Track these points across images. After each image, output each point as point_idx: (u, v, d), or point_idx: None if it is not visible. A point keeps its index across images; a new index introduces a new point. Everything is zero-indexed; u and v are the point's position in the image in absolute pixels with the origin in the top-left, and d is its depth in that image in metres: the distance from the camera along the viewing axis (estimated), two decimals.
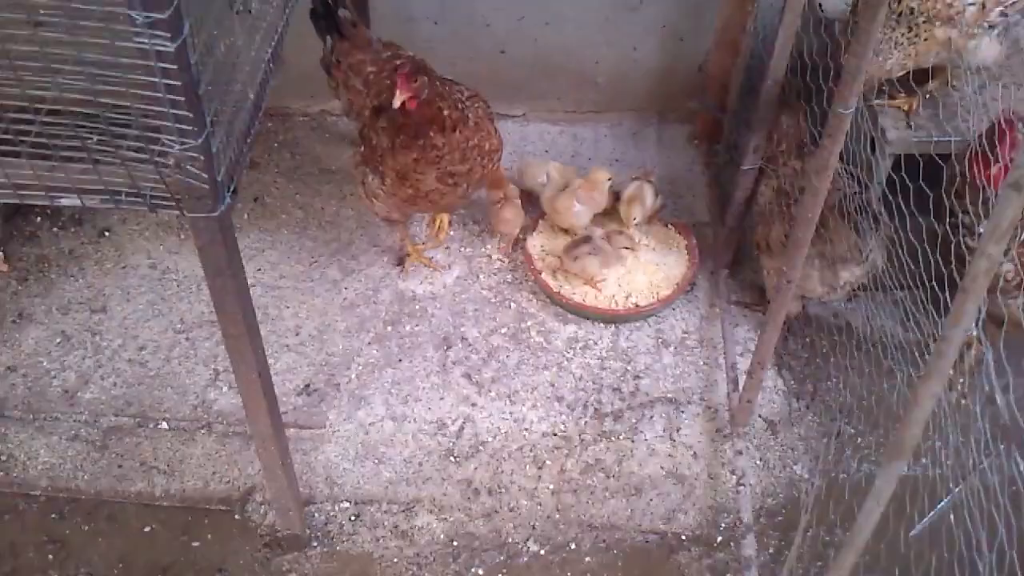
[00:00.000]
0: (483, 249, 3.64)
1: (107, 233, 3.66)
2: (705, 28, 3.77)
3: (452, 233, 3.67)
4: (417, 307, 3.45)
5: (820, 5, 3.41)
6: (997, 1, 2.85)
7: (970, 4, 2.83)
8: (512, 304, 3.47)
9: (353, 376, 3.25)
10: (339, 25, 3.15)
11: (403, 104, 2.78)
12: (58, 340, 3.33)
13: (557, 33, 3.87)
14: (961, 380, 2.25)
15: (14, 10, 1.76)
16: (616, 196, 3.58)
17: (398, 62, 3.09)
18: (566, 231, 3.56)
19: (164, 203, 1.96)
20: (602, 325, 3.40)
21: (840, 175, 2.86)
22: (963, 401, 2.10)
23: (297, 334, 3.36)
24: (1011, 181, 1.41)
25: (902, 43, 2.87)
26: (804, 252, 2.55)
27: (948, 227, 2.54)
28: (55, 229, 3.67)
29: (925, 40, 2.85)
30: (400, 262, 3.56)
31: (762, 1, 3.30)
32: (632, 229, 3.53)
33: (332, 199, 3.79)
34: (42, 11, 1.74)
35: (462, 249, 3.64)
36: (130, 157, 1.90)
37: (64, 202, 2.01)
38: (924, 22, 2.84)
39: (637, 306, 3.39)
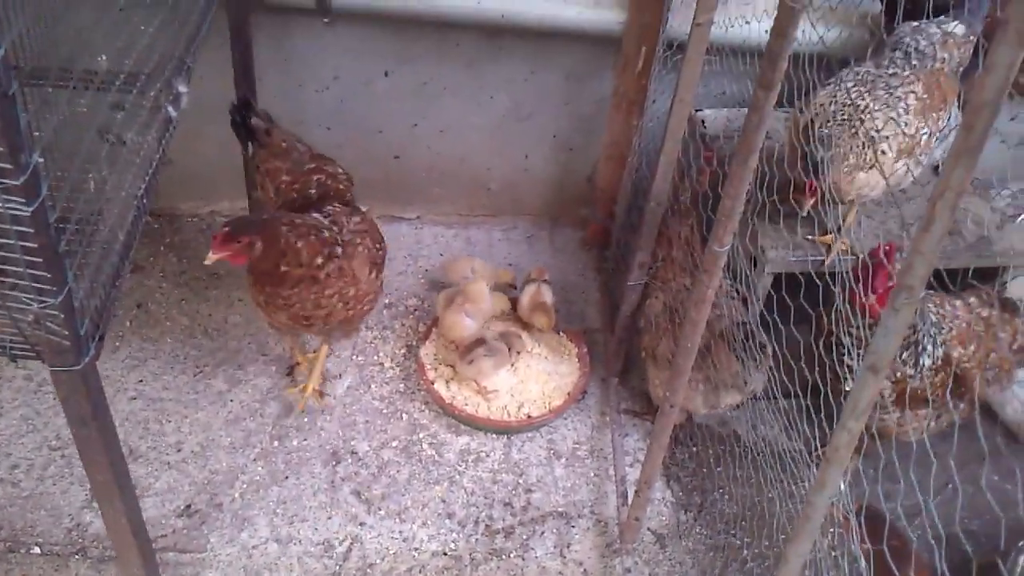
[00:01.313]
0: (376, 357, 3.60)
1: None
2: (594, 140, 3.87)
3: (343, 341, 3.63)
4: (305, 420, 3.38)
5: (703, 122, 3.55)
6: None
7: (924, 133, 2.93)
8: (404, 415, 3.44)
9: (237, 495, 3.16)
10: (254, 133, 3.15)
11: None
12: None
13: (450, 140, 3.91)
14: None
15: None
16: (510, 298, 3.62)
17: (316, 177, 3.15)
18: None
19: (24, 354, 1.89)
20: (495, 436, 3.40)
21: (723, 302, 2.92)
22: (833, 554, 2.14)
23: (179, 450, 3.25)
24: (868, 364, 1.47)
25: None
26: (686, 378, 2.60)
27: (825, 345, 2.62)
28: None
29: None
30: (290, 371, 3.50)
31: (647, 120, 3.41)
32: (530, 332, 3.58)
33: (220, 305, 3.72)
34: None
35: (354, 357, 3.60)
36: None
37: None
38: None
39: (530, 417, 3.39)
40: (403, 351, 3.63)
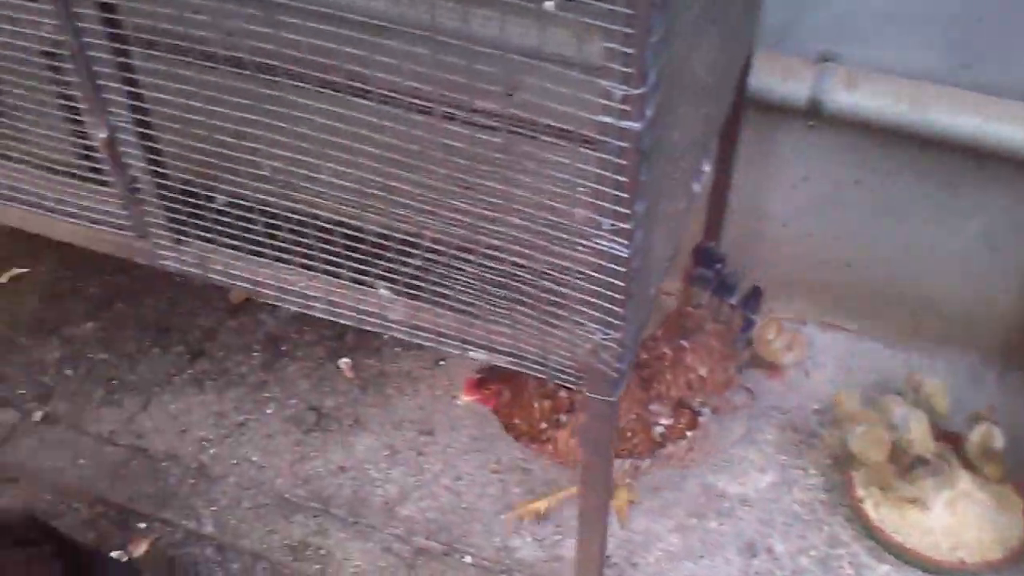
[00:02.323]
0: (799, 460, 3.56)
1: (442, 363, 3.94)
2: None
3: (769, 437, 3.63)
4: (726, 505, 3.41)
5: None
6: None
7: None
8: (825, 527, 3.35)
9: (652, 560, 3.25)
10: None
11: None
12: (386, 452, 3.60)
13: (909, 257, 3.81)
14: None
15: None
16: (948, 434, 3.42)
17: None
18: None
19: (564, 378, 2.12)
20: (920, 573, 3.19)
21: None
22: None
23: None
24: None
25: None
26: None
27: None
28: (397, 348, 4.01)
29: None
30: None
31: None
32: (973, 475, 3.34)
33: None
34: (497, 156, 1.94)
35: (778, 456, 3.58)
36: (542, 322, 2.08)
37: (472, 355, 2.23)
38: None
39: (963, 562, 3.16)
40: (828, 460, 3.55)
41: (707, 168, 2.66)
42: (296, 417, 3.72)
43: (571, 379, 2.10)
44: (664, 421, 3.04)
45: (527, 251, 1.95)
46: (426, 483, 3.50)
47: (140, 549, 3.39)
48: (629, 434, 3.00)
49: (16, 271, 4.28)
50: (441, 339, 2.24)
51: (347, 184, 2.02)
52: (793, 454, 3.59)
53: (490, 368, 3.00)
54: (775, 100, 3.57)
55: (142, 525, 3.46)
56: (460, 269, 2.13)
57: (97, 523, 3.47)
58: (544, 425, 2.99)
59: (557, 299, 1.99)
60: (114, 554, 3.35)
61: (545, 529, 3.35)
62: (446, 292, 2.18)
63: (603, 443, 2.13)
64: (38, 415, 3.73)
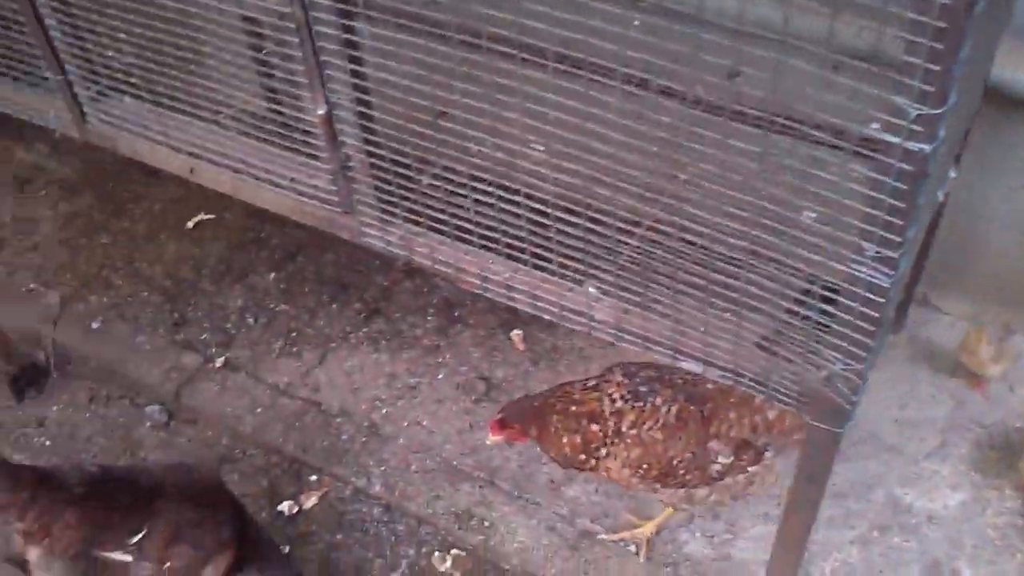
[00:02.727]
0: (996, 480, 3.31)
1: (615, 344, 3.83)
2: None
3: (963, 452, 3.38)
4: (912, 520, 3.21)
5: None
6: None
7: None
8: (1019, 554, 3.11)
9: (827, 570, 3.10)
10: None
11: None
12: None
13: None
14: None
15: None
16: None
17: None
18: None
19: (786, 399, 1.98)
20: None
21: None
22: None
23: (778, 504, 3.28)
24: None
25: None
26: None
27: None
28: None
29: None
30: None
31: None
32: None
33: None
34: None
35: (971, 473, 3.34)
36: (771, 342, 1.94)
37: (684, 365, 2.11)
38: None
39: None
40: None
41: (954, 174, 2.43)
42: (467, 385, 3.70)
43: (792, 403, 1.97)
44: (723, 460, 2.80)
45: (766, 262, 1.81)
46: None
47: (310, 502, 3.47)
48: (682, 471, 2.78)
49: (203, 217, 4.41)
50: (649, 344, 2.14)
51: (581, 169, 1.91)
52: (989, 473, 3.34)
53: (512, 406, 2.97)
54: (1016, 93, 3.25)
55: (313, 478, 3.55)
56: (679, 272, 2.00)
57: (270, 471, 3.57)
58: (583, 456, 2.83)
59: (792, 320, 1.85)
60: (284, 505, 3.45)
61: (716, 525, 3.24)
62: (658, 297, 2.07)
63: (819, 474, 2.00)
64: (219, 361, 3.85)
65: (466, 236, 2.24)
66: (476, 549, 3.29)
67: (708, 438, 2.77)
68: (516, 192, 2.04)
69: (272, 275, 4.16)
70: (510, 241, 2.17)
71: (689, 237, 1.94)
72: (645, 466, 2.77)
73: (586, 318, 2.17)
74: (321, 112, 2.13)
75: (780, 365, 1.93)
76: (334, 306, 4.00)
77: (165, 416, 3.76)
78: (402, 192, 2.23)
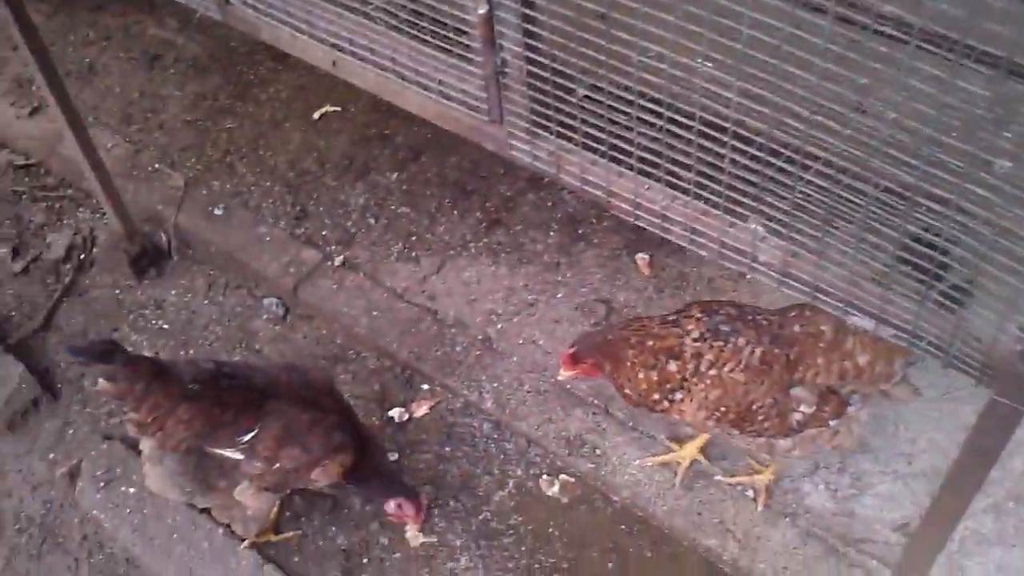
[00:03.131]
0: None
1: (748, 278, 3.60)
2: None
3: None
4: None
5: None
6: None
7: None
8: None
9: (957, 539, 2.93)
10: None
11: None
12: None
13: None
14: None
15: None
16: None
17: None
18: None
19: (968, 369, 1.79)
20: None
21: None
22: None
23: (910, 463, 3.10)
24: None
25: None
26: None
27: None
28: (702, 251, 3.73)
29: None
30: None
31: None
32: None
33: None
34: None
35: None
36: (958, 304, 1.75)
37: (854, 320, 1.94)
38: None
39: None
40: None
41: None
42: (586, 307, 3.58)
43: (975, 373, 1.78)
44: (805, 409, 2.59)
45: (955, 211, 1.60)
46: None
47: (421, 411, 3.44)
48: (761, 417, 2.60)
49: (329, 109, 4.32)
50: (817, 293, 1.96)
51: (757, 91, 1.71)
52: None
53: (584, 340, 2.81)
54: None
55: (425, 387, 3.50)
56: (861, 218, 1.80)
57: (382, 376, 3.54)
58: (656, 396, 2.66)
59: (989, 284, 1.65)
60: (395, 411, 3.42)
61: (841, 479, 3.08)
62: (834, 243, 1.88)
63: (992, 450, 1.82)
64: (339, 259, 3.80)
65: (622, 157, 2.07)
66: (585, 477, 3.22)
67: (792, 383, 2.58)
68: (687, 114, 1.86)
69: (395, 175, 4.06)
70: (670, 167, 1.99)
71: (874, 179, 1.74)
72: (723, 409, 2.61)
73: (748, 258, 2.00)
74: (482, 11, 1.96)
75: (969, 332, 1.73)
76: (455, 212, 3.89)
77: (282, 310, 3.76)
78: (558, 104, 2.07)
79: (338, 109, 4.31)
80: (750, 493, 3.08)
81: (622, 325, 2.79)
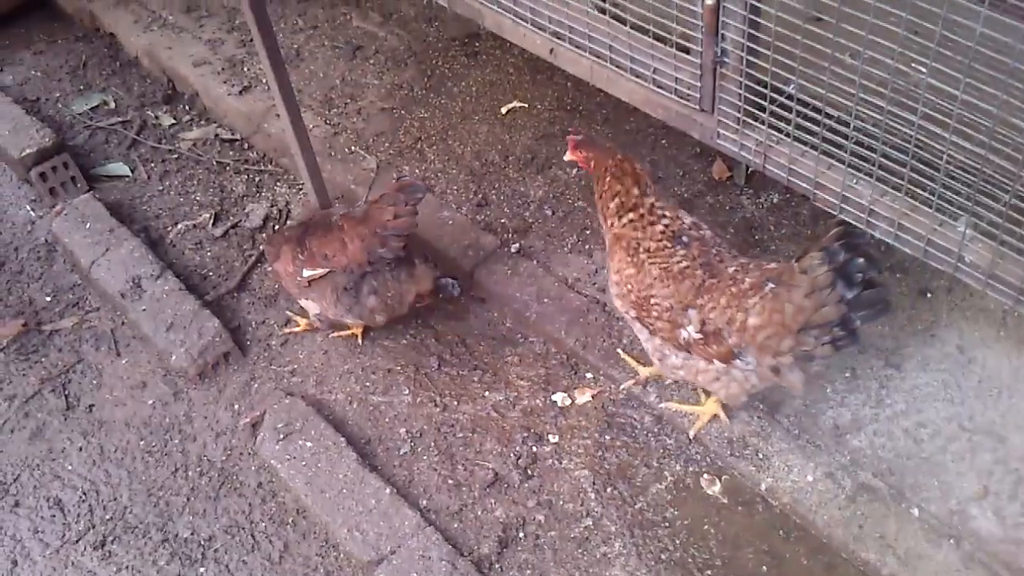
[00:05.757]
0: None
1: (928, 295, 3.56)
2: None
3: None
4: None
5: None
6: None
7: None
8: None
9: None
10: None
11: None
12: (846, 374, 3.38)
13: None
14: None
15: None
16: None
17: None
18: None
19: None
20: None
21: None
22: None
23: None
24: None
25: None
26: None
27: None
28: None
29: None
30: None
31: None
32: None
33: None
34: None
35: None
36: None
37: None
38: None
39: None
40: None
41: None
42: None
43: None
44: (692, 330, 2.91)
45: None
46: (883, 419, 3.26)
47: (583, 397, 3.53)
48: (655, 314, 2.99)
49: (515, 105, 4.49)
50: (1022, 297, 1.94)
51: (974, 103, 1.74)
52: None
53: (595, 138, 3.13)
54: None
55: (588, 375, 3.60)
56: None
57: (547, 360, 3.65)
58: (611, 207, 3.07)
59: None
60: (558, 396, 3.53)
61: (1012, 506, 2.99)
62: None
63: None
64: (515, 246, 3.95)
65: (833, 150, 2.12)
66: (746, 479, 3.23)
67: (691, 305, 2.89)
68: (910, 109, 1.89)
69: (574, 170, 4.19)
70: (883, 162, 2.03)
71: None
72: (628, 287, 3.04)
73: (954, 257, 2.01)
74: (710, 2, 2.05)
75: None
76: None
77: (457, 290, 3.92)
78: (773, 95, 2.13)
79: (524, 106, 4.48)
80: (915, 511, 3.03)
81: (645, 170, 3.06)
